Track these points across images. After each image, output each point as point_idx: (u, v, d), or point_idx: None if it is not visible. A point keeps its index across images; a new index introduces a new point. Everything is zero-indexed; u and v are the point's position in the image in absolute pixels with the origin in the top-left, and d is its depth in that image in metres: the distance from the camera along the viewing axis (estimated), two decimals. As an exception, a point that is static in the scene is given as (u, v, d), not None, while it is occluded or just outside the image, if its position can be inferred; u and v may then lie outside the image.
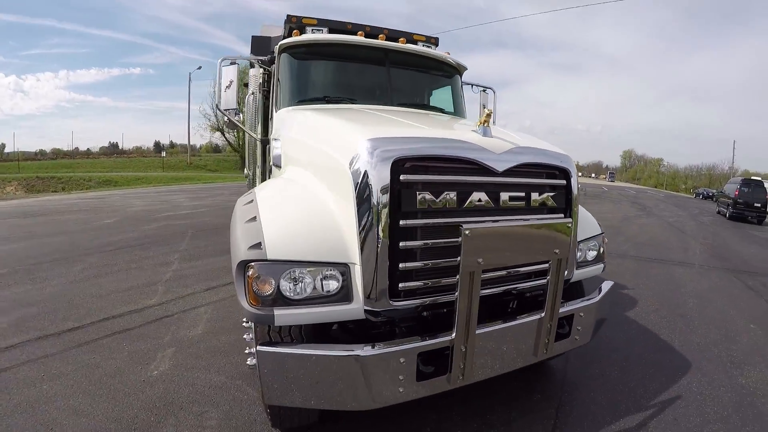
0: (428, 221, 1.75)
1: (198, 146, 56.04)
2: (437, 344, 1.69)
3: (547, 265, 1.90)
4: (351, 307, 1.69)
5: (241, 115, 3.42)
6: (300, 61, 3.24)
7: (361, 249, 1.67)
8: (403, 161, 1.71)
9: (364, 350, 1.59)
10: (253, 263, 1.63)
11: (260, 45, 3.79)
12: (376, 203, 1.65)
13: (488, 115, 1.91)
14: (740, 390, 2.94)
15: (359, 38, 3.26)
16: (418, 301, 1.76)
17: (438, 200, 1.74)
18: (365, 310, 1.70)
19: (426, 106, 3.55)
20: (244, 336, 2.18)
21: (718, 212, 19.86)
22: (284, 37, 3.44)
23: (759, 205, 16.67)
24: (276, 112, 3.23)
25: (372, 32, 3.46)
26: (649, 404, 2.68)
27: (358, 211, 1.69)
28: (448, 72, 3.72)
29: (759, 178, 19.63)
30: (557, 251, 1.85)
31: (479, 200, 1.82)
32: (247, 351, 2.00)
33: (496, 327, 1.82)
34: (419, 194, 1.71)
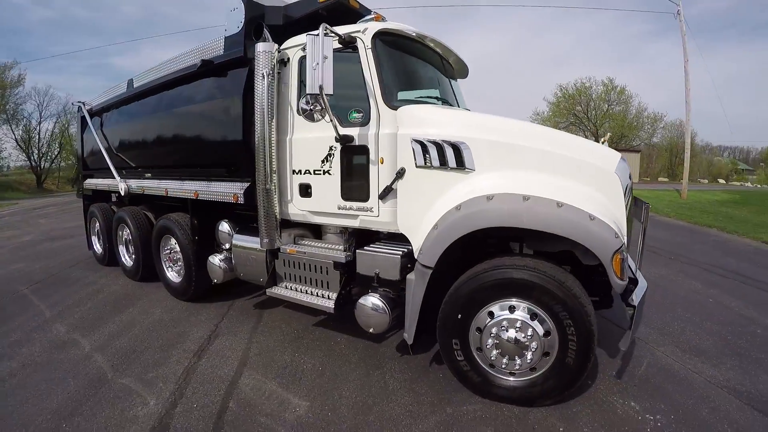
0: None
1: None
2: None
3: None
4: None
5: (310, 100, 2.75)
6: (396, 51, 3.03)
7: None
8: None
9: None
10: (621, 248, 2.19)
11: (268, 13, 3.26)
12: (626, 195, 2.51)
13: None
14: None
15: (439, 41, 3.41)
16: None
17: None
18: None
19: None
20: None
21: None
22: (311, 14, 3.14)
23: None
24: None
25: None
26: None
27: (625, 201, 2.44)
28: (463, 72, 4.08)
29: None
30: None
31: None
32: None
33: None
34: None
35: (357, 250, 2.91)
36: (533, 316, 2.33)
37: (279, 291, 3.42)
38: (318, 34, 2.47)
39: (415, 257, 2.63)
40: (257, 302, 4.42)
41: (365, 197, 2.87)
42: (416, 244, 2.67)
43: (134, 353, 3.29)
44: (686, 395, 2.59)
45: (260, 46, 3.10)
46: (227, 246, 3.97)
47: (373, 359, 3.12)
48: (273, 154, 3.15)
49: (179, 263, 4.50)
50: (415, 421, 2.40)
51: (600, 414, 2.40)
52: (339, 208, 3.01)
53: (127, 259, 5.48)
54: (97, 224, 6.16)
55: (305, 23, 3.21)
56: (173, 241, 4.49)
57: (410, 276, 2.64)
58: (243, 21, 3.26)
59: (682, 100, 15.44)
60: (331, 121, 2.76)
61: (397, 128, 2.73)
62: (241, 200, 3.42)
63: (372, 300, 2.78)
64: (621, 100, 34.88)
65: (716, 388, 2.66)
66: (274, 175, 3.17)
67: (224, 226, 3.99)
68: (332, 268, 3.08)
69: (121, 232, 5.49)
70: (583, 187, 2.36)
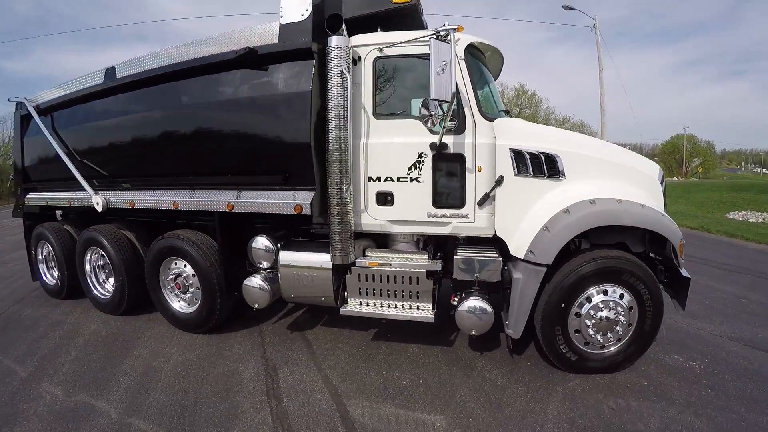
0: None
1: None
2: None
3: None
4: None
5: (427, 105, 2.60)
6: (477, 61, 3.11)
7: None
8: None
9: None
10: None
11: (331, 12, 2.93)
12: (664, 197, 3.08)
13: None
14: None
15: None
16: None
17: None
18: None
19: None
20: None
21: None
22: (372, 14, 2.93)
23: None
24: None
25: None
26: None
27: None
28: None
29: None
30: None
31: None
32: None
33: None
34: None
35: (455, 257, 2.91)
36: (621, 295, 2.74)
37: (357, 309, 3.16)
38: (443, 39, 2.41)
39: (521, 257, 2.78)
40: (287, 323, 4.00)
41: (460, 204, 2.90)
42: (516, 246, 2.83)
43: (186, 409, 2.65)
44: (705, 345, 3.36)
45: (335, 40, 2.81)
46: (265, 265, 3.47)
47: (459, 362, 3.18)
48: (350, 159, 2.89)
49: (191, 290, 3.73)
50: (544, 404, 2.60)
51: (663, 368, 2.99)
52: (429, 216, 2.96)
53: (102, 290, 4.34)
54: (48, 249, 4.76)
55: (358, 23, 3.02)
56: (182, 264, 3.70)
57: (517, 275, 2.79)
58: (310, 9, 2.88)
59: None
60: (443, 128, 2.71)
61: (494, 138, 2.83)
62: (306, 211, 3.03)
63: (477, 304, 2.83)
64: (531, 104, 40.45)
65: (720, 338, 3.53)
66: (350, 182, 2.91)
67: (261, 242, 3.45)
68: (424, 278, 3.01)
69: (90, 257, 4.32)
70: (642, 191, 2.87)
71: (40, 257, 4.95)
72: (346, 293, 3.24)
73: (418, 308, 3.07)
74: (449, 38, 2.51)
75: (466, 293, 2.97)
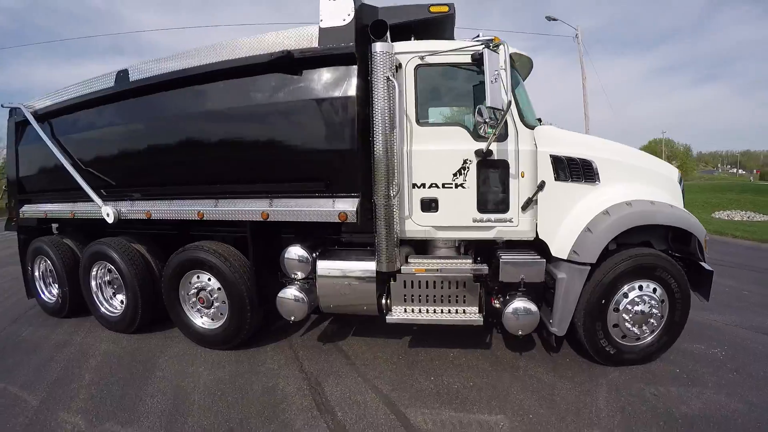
0: None
1: None
2: None
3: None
4: None
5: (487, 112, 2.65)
6: (515, 71, 3.23)
7: None
8: None
9: None
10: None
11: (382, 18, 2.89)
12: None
13: None
14: None
15: None
16: None
17: None
18: None
19: None
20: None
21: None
22: (407, 23, 2.97)
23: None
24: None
25: None
26: None
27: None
28: None
29: None
30: None
31: None
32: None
33: None
34: None
35: (501, 260, 2.98)
36: (654, 290, 2.94)
37: (404, 316, 3.13)
38: (494, 49, 2.46)
39: (564, 258, 2.91)
40: (316, 335, 3.89)
41: (505, 209, 2.98)
42: (558, 247, 2.95)
43: None
44: (721, 334, 3.65)
45: (379, 46, 2.81)
46: (300, 275, 3.36)
47: (501, 363, 3.25)
48: (397, 166, 2.89)
49: (216, 305, 3.53)
50: (594, 396, 2.73)
51: (689, 356, 3.22)
52: (474, 221, 3.02)
53: (110, 308, 4.02)
54: (47, 264, 4.39)
55: (394, 31, 3.03)
56: (206, 277, 3.50)
57: (561, 275, 2.91)
58: (352, 15, 2.85)
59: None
60: (494, 135, 2.79)
61: (535, 146, 2.95)
62: (351, 219, 2.97)
63: (524, 305, 2.92)
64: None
65: (733, 327, 3.84)
66: (398, 188, 2.91)
67: (295, 252, 3.33)
68: (471, 282, 3.05)
69: (96, 272, 4.02)
70: (665, 193, 3.12)
71: (36, 273, 4.53)
72: (388, 301, 3.21)
73: (464, 312, 3.11)
74: (500, 48, 2.59)
75: (509, 295, 3.05)
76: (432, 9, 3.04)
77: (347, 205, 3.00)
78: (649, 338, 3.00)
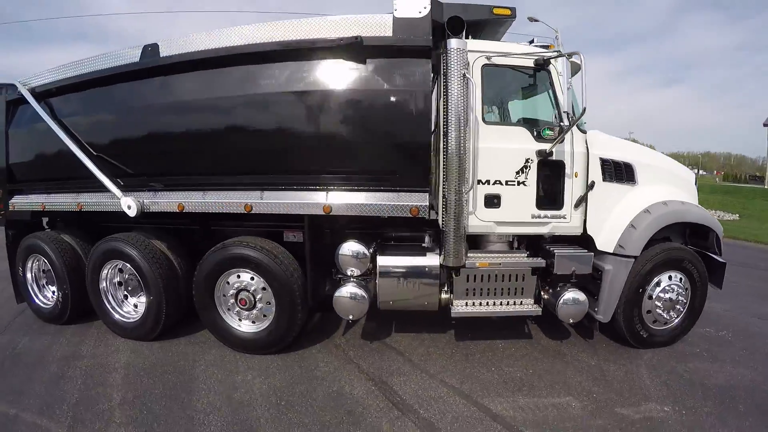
0: None
1: None
2: None
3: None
4: None
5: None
6: None
7: None
8: None
9: None
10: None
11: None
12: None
13: None
14: None
15: None
16: None
17: None
18: None
19: None
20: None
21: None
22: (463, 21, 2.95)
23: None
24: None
25: None
26: None
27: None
28: None
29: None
30: None
31: None
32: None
33: None
34: None
35: (556, 254, 3.18)
36: (680, 279, 3.36)
37: (467, 309, 3.20)
38: (569, 58, 2.65)
39: (610, 251, 3.20)
40: (358, 333, 3.80)
41: (560, 206, 3.19)
42: (604, 241, 3.24)
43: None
44: (723, 319, 4.19)
45: (454, 42, 2.83)
46: (356, 272, 3.26)
47: (548, 351, 3.46)
48: (470, 162, 2.94)
49: (259, 306, 3.27)
50: (638, 375, 3.07)
51: (703, 338, 3.71)
52: (532, 217, 3.18)
53: (124, 312, 3.58)
54: (42, 263, 3.82)
55: (444, 28, 3.08)
56: (248, 277, 3.23)
57: (607, 267, 3.19)
58: (429, 8, 2.83)
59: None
60: (563, 137, 2.98)
61: (587, 149, 3.20)
62: (422, 214, 2.96)
63: (575, 295, 3.15)
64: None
65: (732, 313, 4.40)
66: (471, 184, 2.97)
67: (352, 248, 3.22)
68: (529, 274, 3.21)
69: (107, 273, 3.54)
70: (687, 194, 3.58)
71: (29, 275, 3.85)
72: (450, 295, 3.26)
73: (521, 303, 3.26)
74: (576, 58, 2.78)
75: (560, 287, 3.27)
76: (495, 11, 3.13)
77: (418, 200, 2.98)
78: (675, 322, 3.41)
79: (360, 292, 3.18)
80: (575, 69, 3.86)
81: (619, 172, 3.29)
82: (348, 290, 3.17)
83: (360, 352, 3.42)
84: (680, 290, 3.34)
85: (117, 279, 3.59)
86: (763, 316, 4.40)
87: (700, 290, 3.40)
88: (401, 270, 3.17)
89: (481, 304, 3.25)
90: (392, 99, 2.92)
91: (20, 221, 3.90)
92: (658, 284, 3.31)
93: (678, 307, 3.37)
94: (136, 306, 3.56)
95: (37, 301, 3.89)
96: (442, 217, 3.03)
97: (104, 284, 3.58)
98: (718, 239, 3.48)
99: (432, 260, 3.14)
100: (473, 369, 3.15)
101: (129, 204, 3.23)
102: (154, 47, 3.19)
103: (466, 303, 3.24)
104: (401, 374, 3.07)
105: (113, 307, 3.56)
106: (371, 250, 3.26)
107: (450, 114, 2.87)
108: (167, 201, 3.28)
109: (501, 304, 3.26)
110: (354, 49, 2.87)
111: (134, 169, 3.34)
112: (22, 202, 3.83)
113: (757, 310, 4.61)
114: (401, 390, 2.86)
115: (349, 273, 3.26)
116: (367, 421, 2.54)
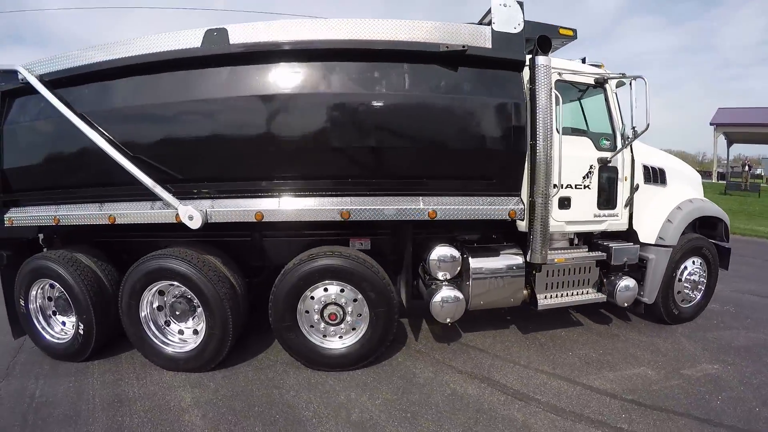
0: None
1: None
2: None
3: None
4: None
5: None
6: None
7: None
8: None
9: None
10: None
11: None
12: None
13: None
14: None
15: None
16: None
17: None
18: None
19: None
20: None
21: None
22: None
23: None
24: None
25: None
26: None
27: None
28: None
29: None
30: None
31: None
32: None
33: None
34: None
35: (614, 247, 3.61)
36: (701, 263, 4.05)
37: (549, 302, 3.48)
38: (633, 80, 3.21)
39: (652, 243, 3.74)
40: (423, 335, 3.81)
41: (614, 206, 3.65)
42: (646, 234, 3.78)
43: None
44: (724, 297, 4.88)
45: (542, 59, 3.08)
46: (448, 275, 3.29)
47: (605, 334, 3.86)
48: (556, 168, 3.19)
49: (349, 319, 3.11)
50: (681, 344, 3.62)
51: (712, 312, 4.37)
52: (594, 216, 3.58)
53: (178, 341, 3.14)
54: (54, 290, 3.16)
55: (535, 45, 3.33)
56: (337, 289, 3.06)
57: (651, 256, 3.72)
58: (522, 25, 3.03)
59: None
60: (623, 147, 3.46)
61: (633, 156, 3.72)
62: (519, 216, 3.13)
63: (627, 282, 3.60)
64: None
65: (730, 292, 5.14)
66: (558, 188, 3.25)
67: (444, 253, 3.25)
68: (594, 266, 3.59)
69: (151, 299, 3.07)
70: (698, 192, 4.34)
71: (32, 306, 3.09)
72: (533, 290, 3.48)
73: (588, 293, 3.65)
74: (639, 81, 3.25)
75: (615, 276, 3.72)
76: (561, 31, 3.53)
77: (515, 204, 3.16)
78: (698, 299, 4.09)
79: (459, 294, 3.24)
80: (619, 85, 4.46)
81: (655, 175, 3.90)
82: (446, 294, 3.20)
83: (446, 355, 3.44)
84: (701, 272, 4.02)
85: (157, 303, 3.08)
86: (754, 293, 5.30)
87: (714, 272, 4.13)
88: (492, 271, 3.31)
89: (557, 296, 3.55)
90: (494, 109, 3.07)
91: (16, 240, 3.08)
92: (685, 269, 3.95)
93: (700, 287, 4.05)
94: (195, 331, 3.07)
95: (47, 336, 3.15)
96: (529, 219, 3.24)
97: (145, 312, 3.04)
98: (726, 228, 4.27)
99: (518, 260, 3.34)
100: (554, 355, 3.41)
101: (191, 214, 2.80)
102: (223, 32, 2.83)
103: (545, 296, 3.51)
104: (498, 369, 3.20)
105: (164, 339, 3.04)
106: (463, 254, 3.34)
107: (538, 125, 3.10)
108: (236, 209, 2.92)
109: (573, 294, 3.60)
110: (455, 57, 2.94)
111: (186, 174, 2.93)
112: (22, 216, 3.08)
113: (747, 288, 5.50)
114: (508, 382, 2.99)
115: (441, 277, 3.28)
116: (501, 414, 2.62)
